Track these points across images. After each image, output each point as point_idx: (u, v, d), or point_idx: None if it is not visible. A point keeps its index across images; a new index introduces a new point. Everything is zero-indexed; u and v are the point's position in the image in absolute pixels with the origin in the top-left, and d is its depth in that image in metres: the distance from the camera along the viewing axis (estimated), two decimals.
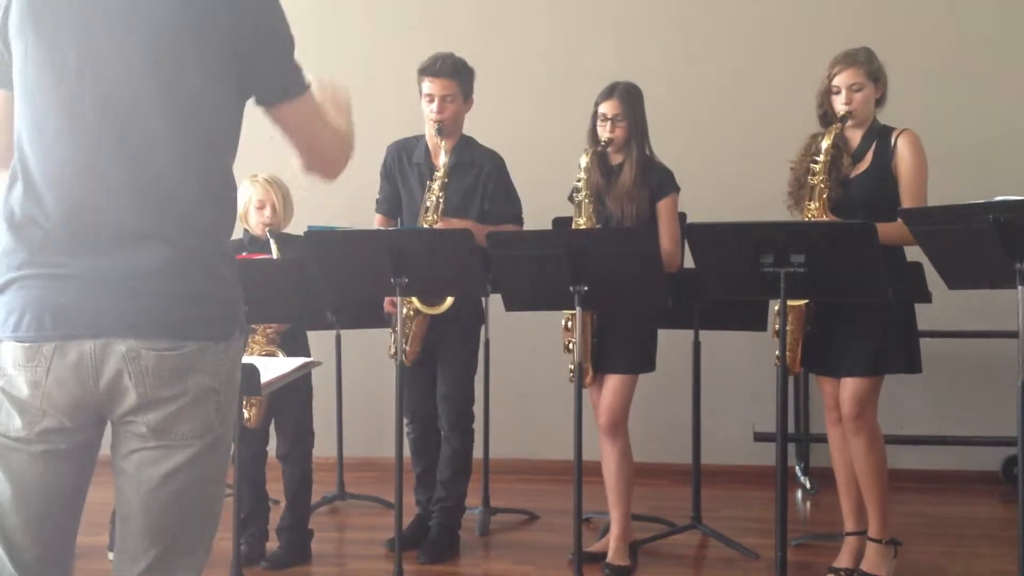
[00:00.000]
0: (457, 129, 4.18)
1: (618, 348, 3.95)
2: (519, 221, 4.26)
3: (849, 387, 3.72)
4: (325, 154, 1.99)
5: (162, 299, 1.75)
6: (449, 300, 4.02)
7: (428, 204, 4.04)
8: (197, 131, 1.79)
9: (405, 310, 4.02)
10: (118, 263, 1.74)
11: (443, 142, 4.05)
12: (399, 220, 4.32)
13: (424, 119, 4.18)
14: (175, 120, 1.77)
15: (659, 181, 3.98)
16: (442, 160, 4.06)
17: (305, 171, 2.00)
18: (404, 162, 4.26)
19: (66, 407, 1.76)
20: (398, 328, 3.82)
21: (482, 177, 4.18)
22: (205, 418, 1.80)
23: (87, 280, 1.73)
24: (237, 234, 4.14)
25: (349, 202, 4.62)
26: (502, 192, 4.22)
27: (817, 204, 3.69)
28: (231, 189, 1.88)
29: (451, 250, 3.70)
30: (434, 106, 4.07)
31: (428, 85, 4.08)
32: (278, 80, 1.88)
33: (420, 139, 4.26)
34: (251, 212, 4.08)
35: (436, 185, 4.04)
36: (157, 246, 1.75)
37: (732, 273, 3.49)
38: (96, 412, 1.79)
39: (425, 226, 4.02)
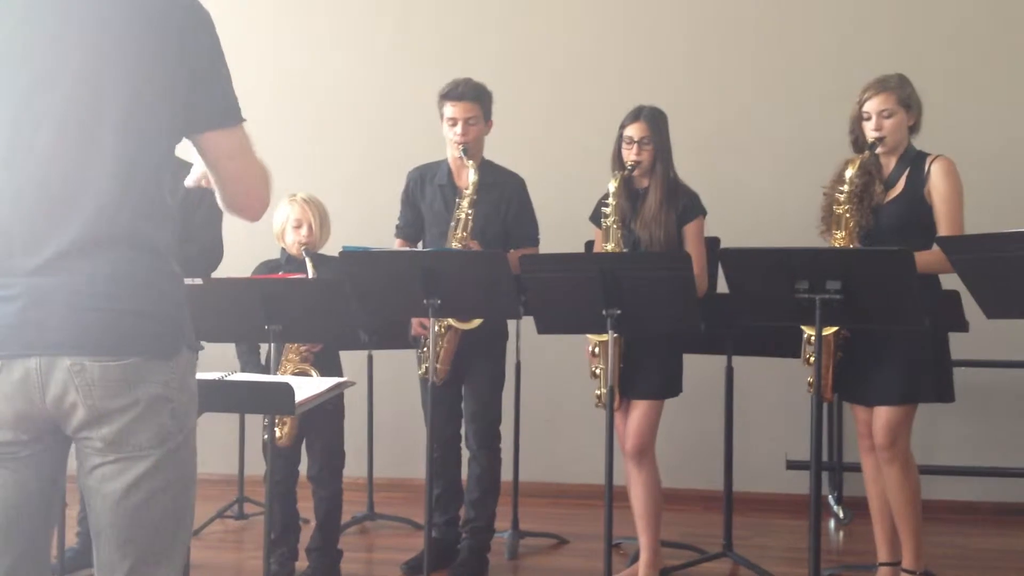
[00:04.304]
0: (479, 150, 4.24)
1: (644, 373, 3.93)
2: (537, 243, 4.34)
3: (882, 416, 3.68)
4: (252, 192, 1.97)
5: (103, 315, 1.76)
6: None
7: (457, 221, 4.10)
8: (139, 150, 1.80)
9: (437, 327, 4.04)
10: (59, 281, 1.75)
11: (469, 162, 4.10)
12: (420, 245, 4.36)
13: (446, 143, 4.24)
14: (117, 140, 1.78)
15: (685, 205, 3.98)
16: (471, 178, 4.11)
17: (227, 208, 1.98)
18: (426, 185, 4.31)
19: (15, 421, 1.79)
20: (430, 347, 3.82)
21: (504, 198, 4.25)
22: (160, 427, 1.81)
23: (29, 300, 1.75)
24: (275, 254, 4.19)
25: (389, 225, 4.65)
26: (524, 214, 4.30)
27: (843, 233, 3.68)
28: (168, 207, 1.88)
29: (484, 272, 3.72)
30: (458, 128, 4.14)
31: (451, 109, 4.15)
32: (213, 107, 1.89)
33: (441, 163, 4.32)
34: (288, 231, 4.10)
35: (465, 203, 4.10)
36: (97, 263, 1.76)
37: (767, 299, 3.47)
38: (51, 422, 1.81)
39: (455, 243, 4.07)
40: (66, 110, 1.77)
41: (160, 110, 1.82)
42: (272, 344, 3.80)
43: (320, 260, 4.11)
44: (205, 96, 1.87)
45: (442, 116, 4.20)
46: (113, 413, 1.78)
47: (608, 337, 3.62)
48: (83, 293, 1.76)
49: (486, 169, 4.22)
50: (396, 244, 4.41)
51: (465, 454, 4.35)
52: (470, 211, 4.10)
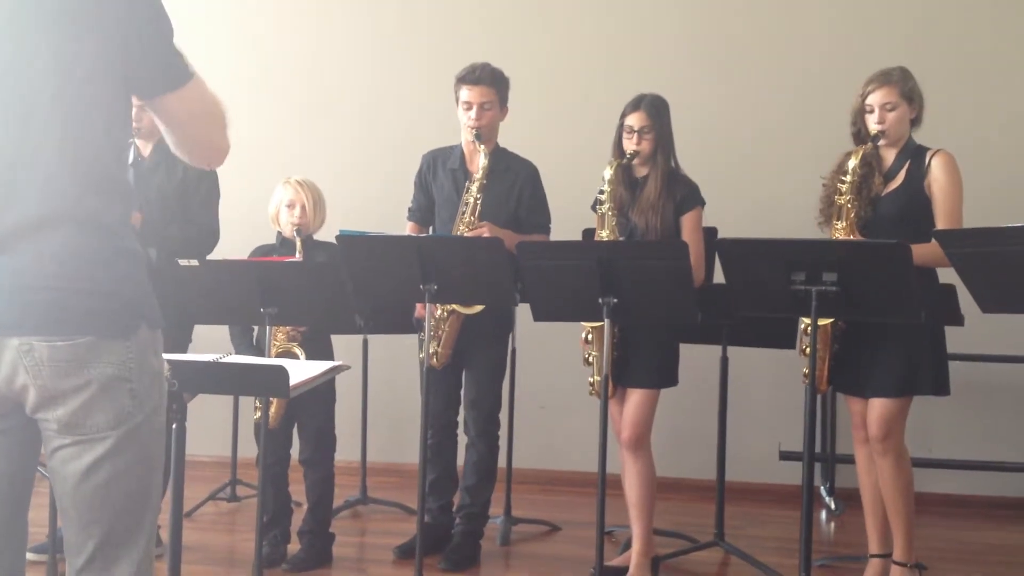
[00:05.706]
0: (493, 136, 4.22)
1: (640, 362, 3.92)
2: (547, 231, 4.30)
3: (877, 408, 3.69)
4: (212, 144, 1.97)
5: (50, 294, 1.74)
6: None
7: (465, 206, 4.09)
8: (81, 127, 1.78)
9: (440, 311, 4.03)
10: (5, 262, 1.73)
11: (481, 147, 4.08)
12: (431, 229, 4.35)
13: (460, 127, 4.21)
14: (56, 120, 1.76)
15: (684, 195, 3.96)
16: (481, 163, 4.09)
17: (188, 160, 1.99)
18: (439, 169, 4.29)
19: None
20: (426, 331, 3.82)
21: (516, 184, 4.23)
22: (119, 408, 1.78)
23: None
24: (270, 237, 4.18)
25: (387, 211, 4.63)
26: (535, 201, 4.27)
27: (844, 223, 3.67)
28: (119, 182, 1.85)
29: (481, 258, 3.71)
30: (472, 113, 4.12)
31: (467, 93, 4.12)
32: (159, 70, 1.86)
33: (455, 147, 4.30)
34: (282, 212, 4.09)
35: (475, 187, 4.10)
36: (43, 242, 1.74)
37: (763, 290, 3.47)
38: (13, 403, 1.79)
39: (463, 227, 4.06)
40: (2, 96, 1.75)
41: (99, 83, 1.79)
42: (268, 327, 3.80)
43: (316, 245, 4.10)
44: (148, 62, 1.84)
45: (458, 99, 4.17)
46: (66, 394, 1.75)
47: (602, 324, 3.62)
48: (29, 273, 1.73)
49: (499, 155, 4.20)
50: (408, 228, 4.39)
51: (462, 440, 4.35)
52: (479, 196, 4.09)
